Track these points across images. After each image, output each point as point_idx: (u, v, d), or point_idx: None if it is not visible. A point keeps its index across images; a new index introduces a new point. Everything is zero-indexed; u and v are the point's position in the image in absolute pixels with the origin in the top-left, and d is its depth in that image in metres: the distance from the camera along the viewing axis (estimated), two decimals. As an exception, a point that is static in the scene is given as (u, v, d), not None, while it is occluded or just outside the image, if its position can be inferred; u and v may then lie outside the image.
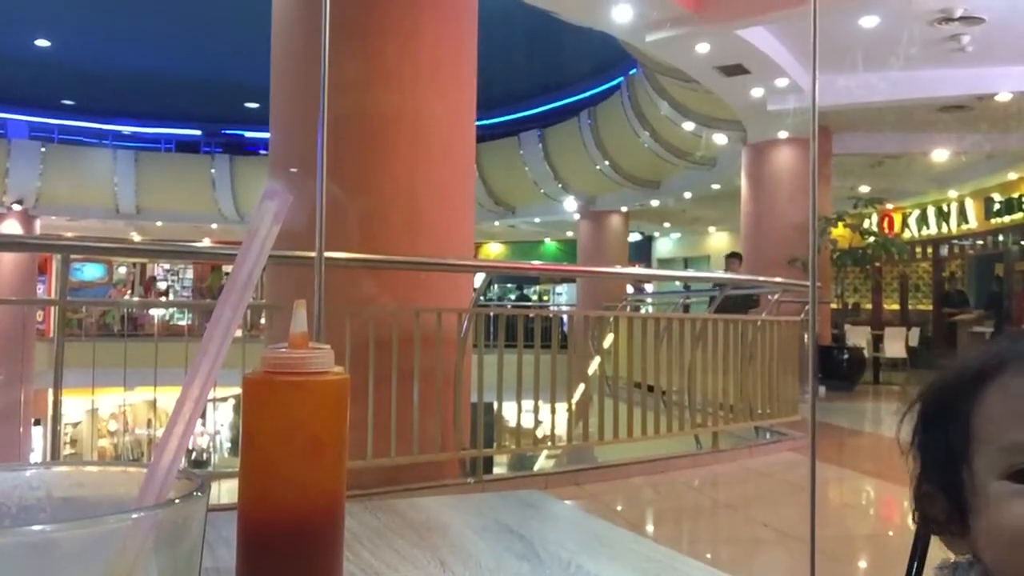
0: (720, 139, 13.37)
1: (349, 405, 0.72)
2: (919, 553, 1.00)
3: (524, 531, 0.96)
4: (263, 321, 6.26)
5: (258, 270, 0.42)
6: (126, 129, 21.81)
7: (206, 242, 16.21)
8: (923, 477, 0.71)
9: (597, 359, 6.08)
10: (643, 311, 10.59)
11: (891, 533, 4.43)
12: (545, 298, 23.39)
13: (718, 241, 22.51)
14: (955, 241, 16.17)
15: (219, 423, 10.07)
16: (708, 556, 3.98)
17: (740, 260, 10.64)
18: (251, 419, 0.70)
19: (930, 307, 16.09)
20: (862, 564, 3.93)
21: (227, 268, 7.15)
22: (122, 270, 18.49)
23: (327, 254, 3.03)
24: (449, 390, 4.31)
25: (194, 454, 9.65)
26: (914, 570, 1.01)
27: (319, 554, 0.69)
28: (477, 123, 4.83)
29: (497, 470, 5.30)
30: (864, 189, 14.10)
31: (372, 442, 4.00)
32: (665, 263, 24.15)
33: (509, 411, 4.84)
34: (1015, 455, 0.62)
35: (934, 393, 0.70)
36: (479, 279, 4.78)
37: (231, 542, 0.68)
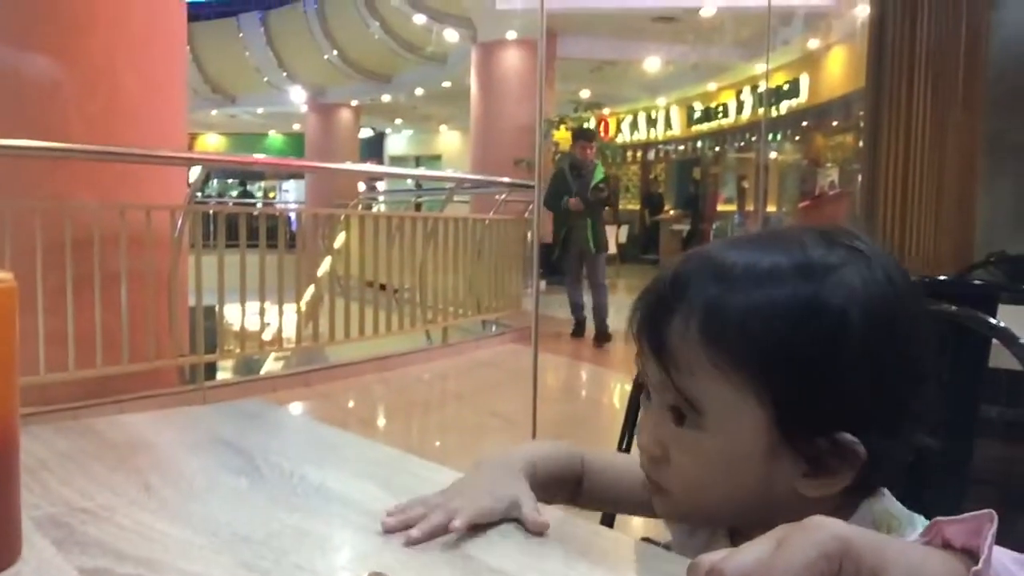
0: (451, 35, 13.32)
1: (17, 315, 0.60)
2: (629, 426, 1.08)
3: (243, 444, 0.90)
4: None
5: None
6: None
7: None
8: None
9: (328, 258, 5.94)
10: (375, 210, 10.48)
11: (603, 411, 4.87)
12: (271, 195, 22.38)
13: (450, 140, 22.73)
14: (661, 146, 17.64)
15: None
16: (437, 444, 4.13)
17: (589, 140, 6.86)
18: None
19: (638, 207, 17.53)
20: (578, 440, 4.28)
21: None
22: None
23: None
24: (162, 293, 4.00)
25: None
26: (625, 442, 1.09)
27: (-18, 493, 0.58)
28: (188, -1, 4.36)
29: (223, 375, 5.07)
30: (584, 94, 14.83)
31: (74, 352, 3.62)
32: (397, 161, 24.01)
33: (233, 314, 4.60)
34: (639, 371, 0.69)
35: None
36: (195, 173, 4.41)
37: None
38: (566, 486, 0.82)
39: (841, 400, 0.59)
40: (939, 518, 0.46)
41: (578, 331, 6.76)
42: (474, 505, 0.67)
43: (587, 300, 6.66)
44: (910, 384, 0.60)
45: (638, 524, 2.83)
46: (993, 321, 0.99)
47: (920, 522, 0.61)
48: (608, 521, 1.03)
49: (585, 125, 14.87)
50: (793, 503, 0.60)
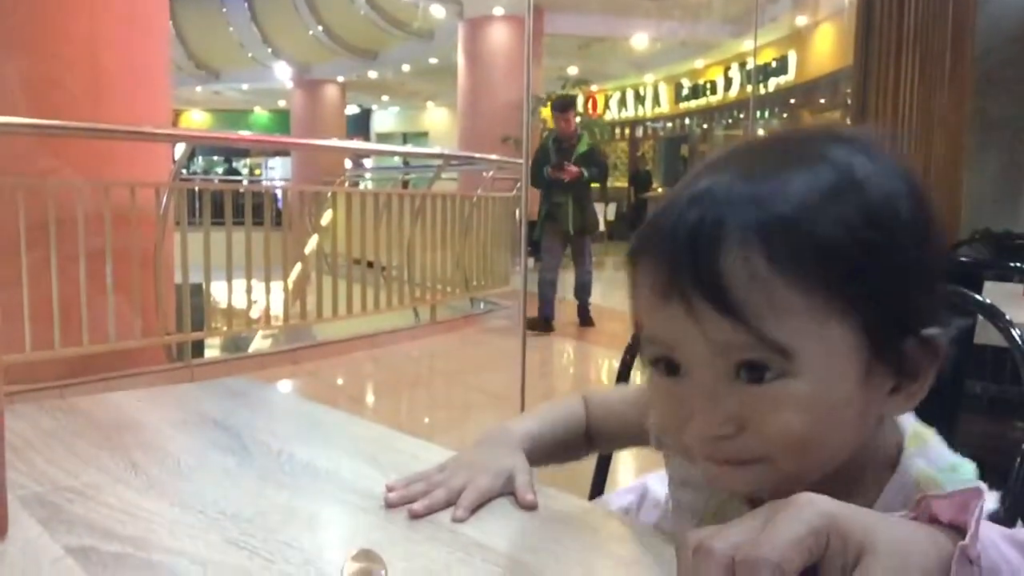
0: (438, 11, 13.20)
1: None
2: None
3: (230, 422, 0.90)
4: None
5: None
6: None
7: None
8: None
9: (315, 236, 5.91)
10: (362, 187, 10.43)
11: (591, 387, 4.89)
12: (257, 172, 22.21)
13: (437, 117, 22.58)
14: (649, 123, 17.60)
15: None
16: (426, 421, 4.14)
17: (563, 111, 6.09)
18: None
19: (626, 184, 17.54)
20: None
21: None
22: None
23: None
24: (148, 271, 3.97)
25: None
26: None
27: (-34, 473, 0.58)
28: (170, -27, 4.30)
29: (210, 353, 5.06)
30: (572, 70, 14.75)
31: (60, 330, 3.60)
32: (384, 138, 23.87)
33: (219, 292, 4.58)
34: (651, 345, 0.58)
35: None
36: (180, 150, 4.37)
37: None
38: (573, 445, 0.84)
39: (917, 293, 0.56)
40: (927, 494, 0.46)
41: (538, 323, 5.79)
42: (474, 486, 0.68)
43: (570, 281, 6.20)
44: (943, 271, 0.59)
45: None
46: (979, 298, 0.99)
47: (965, 468, 0.61)
48: (599, 490, 1.04)
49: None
50: (871, 443, 0.59)
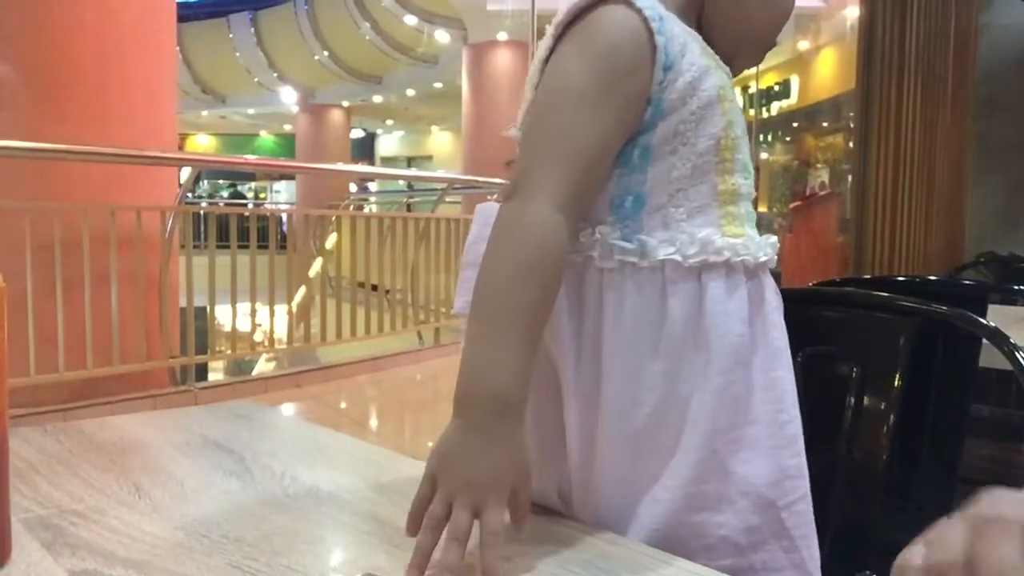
0: (442, 36, 13.32)
1: (6, 316, 0.60)
2: None
3: (234, 445, 0.90)
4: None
5: None
6: None
7: None
8: None
9: (319, 259, 5.93)
10: (367, 210, 10.47)
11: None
12: (262, 196, 22.32)
13: (441, 141, 22.70)
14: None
15: None
16: (430, 445, 4.12)
17: None
18: None
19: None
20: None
21: None
22: None
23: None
24: (153, 295, 3.98)
25: None
26: None
27: (-29, 495, 0.58)
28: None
29: (214, 376, 5.05)
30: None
31: (64, 354, 3.60)
32: (389, 161, 23.99)
33: (224, 315, 4.58)
34: None
35: None
36: (185, 174, 4.39)
37: None
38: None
39: None
40: None
41: None
42: (490, 532, 0.59)
43: None
44: None
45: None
46: (984, 321, 0.99)
47: None
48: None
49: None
50: None
